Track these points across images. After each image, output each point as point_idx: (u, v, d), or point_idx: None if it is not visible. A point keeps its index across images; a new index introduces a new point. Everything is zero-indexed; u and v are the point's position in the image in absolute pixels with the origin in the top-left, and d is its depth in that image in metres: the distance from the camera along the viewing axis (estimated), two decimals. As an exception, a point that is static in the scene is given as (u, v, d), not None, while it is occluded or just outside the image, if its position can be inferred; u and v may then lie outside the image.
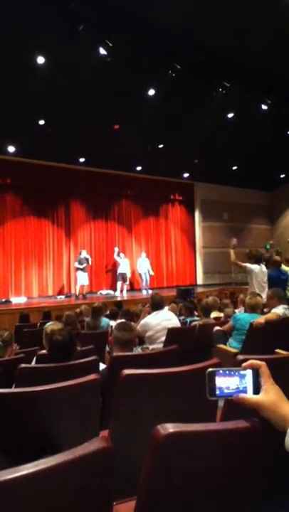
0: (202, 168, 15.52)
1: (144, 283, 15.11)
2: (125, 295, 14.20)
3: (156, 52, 9.07)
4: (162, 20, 8.40)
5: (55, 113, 10.61)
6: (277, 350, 3.57)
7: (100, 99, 10.17)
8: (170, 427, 0.91)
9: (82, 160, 14.20)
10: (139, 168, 15.50)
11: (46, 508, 0.83)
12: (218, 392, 1.03)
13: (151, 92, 10.46)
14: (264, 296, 5.95)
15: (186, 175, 16.83)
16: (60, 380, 1.88)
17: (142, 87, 10.33)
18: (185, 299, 9.32)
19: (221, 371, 1.03)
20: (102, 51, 8.77)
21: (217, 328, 5.31)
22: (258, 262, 6.80)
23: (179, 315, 6.57)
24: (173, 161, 14.47)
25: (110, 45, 8.66)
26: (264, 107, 11.64)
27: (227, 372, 1.04)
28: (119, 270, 14.70)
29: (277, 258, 6.85)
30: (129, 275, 14.93)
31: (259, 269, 6.59)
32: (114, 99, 10.19)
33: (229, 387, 1.03)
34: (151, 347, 4.36)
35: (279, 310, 4.84)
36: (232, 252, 6.93)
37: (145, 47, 8.84)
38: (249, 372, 1.04)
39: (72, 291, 14.14)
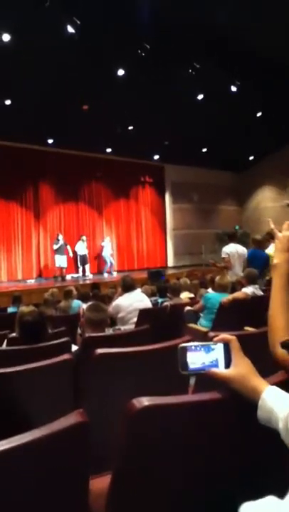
0: (172, 150, 15.47)
1: (107, 266, 15.23)
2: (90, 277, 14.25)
3: (124, 31, 8.89)
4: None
5: (22, 93, 10.32)
6: (246, 328, 3.67)
7: (68, 79, 9.93)
8: (145, 400, 0.92)
9: (50, 141, 13.92)
10: (108, 150, 15.31)
11: (23, 484, 0.83)
12: (190, 366, 1.04)
13: (121, 72, 10.29)
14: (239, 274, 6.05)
15: (156, 157, 16.75)
16: (32, 362, 1.88)
17: (111, 67, 10.14)
18: (156, 281, 9.38)
19: (192, 346, 1.05)
20: (70, 29, 8.54)
21: (188, 308, 5.40)
22: (232, 241, 6.86)
23: (151, 296, 6.61)
24: (143, 143, 14.36)
25: (78, 22, 8.44)
26: (233, 88, 11.66)
27: (199, 347, 1.05)
28: (80, 253, 14.72)
29: (258, 237, 6.87)
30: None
31: (234, 249, 6.65)
32: (83, 79, 9.98)
33: (201, 362, 1.04)
34: (123, 328, 4.39)
35: (248, 289, 4.94)
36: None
37: (113, 25, 8.65)
38: (220, 346, 1.06)
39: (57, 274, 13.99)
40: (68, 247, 13.98)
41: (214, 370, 1.04)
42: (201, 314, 5.13)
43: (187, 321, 5.01)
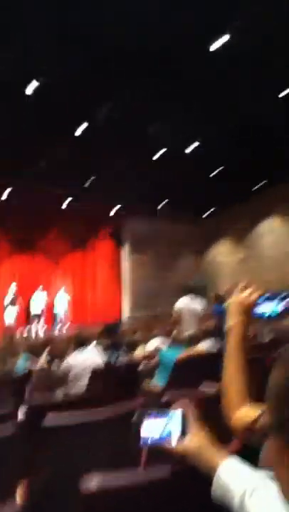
0: (133, 202, 15.72)
1: (58, 320, 14.90)
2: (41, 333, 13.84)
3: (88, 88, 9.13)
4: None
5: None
6: (201, 387, 3.62)
7: (29, 131, 10.06)
8: (96, 480, 0.89)
9: (8, 190, 13.84)
10: (69, 199, 15.33)
11: None
12: (145, 439, 0.99)
13: (84, 124, 10.48)
14: (191, 330, 6.02)
15: (116, 208, 16.90)
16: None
17: (76, 120, 10.35)
18: (111, 335, 9.18)
19: (149, 415, 1.01)
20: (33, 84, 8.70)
21: (144, 363, 5.28)
22: (188, 294, 6.88)
23: (105, 351, 6.44)
24: (104, 194, 14.50)
25: (39, 82, 8.62)
26: (195, 144, 12.18)
27: (155, 415, 1.02)
28: (36, 309, 14.33)
29: (220, 293, 7.01)
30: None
31: (185, 304, 6.66)
32: (44, 127, 10.10)
33: (156, 432, 1.00)
34: (75, 386, 4.22)
35: (205, 344, 4.91)
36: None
37: (79, 83, 8.87)
38: (178, 413, 1.02)
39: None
40: (17, 301, 13.58)
41: (169, 443, 0.99)
42: (157, 371, 5.02)
43: (142, 378, 4.89)
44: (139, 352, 5.97)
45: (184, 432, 1.00)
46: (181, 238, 19.30)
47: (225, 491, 0.90)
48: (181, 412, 1.02)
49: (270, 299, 1.42)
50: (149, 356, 5.55)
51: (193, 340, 5.37)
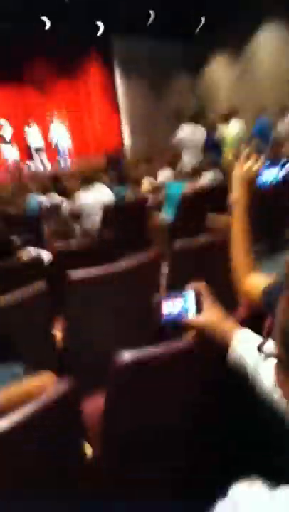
0: (118, 18, 13.92)
1: (62, 152, 14.39)
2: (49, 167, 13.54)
3: None
4: None
5: None
6: (210, 215, 3.80)
7: None
8: (128, 355, 1.01)
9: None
10: (48, 24, 13.46)
11: (25, 455, 0.91)
12: (166, 317, 1.11)
13: None
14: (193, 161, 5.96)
15: (101, 26, 15.02)
16: (5, 282, 1.90)
17: None
18: (115, 167, 9.16)
19: (166, 296, 1.12)
20: None
21: (150, 197, 5.38)
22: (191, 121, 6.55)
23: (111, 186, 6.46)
24: (85, 11, 12.65)
25: None
26: None
27: (173, 296, 1.12)
28: (38, 143, 13.75)
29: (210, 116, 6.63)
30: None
31: (189, 133, 6.39)
32: None
33: (175, 310, 1.10)
34: (89, 222, 4.36)
35: (206, 178, 4.93)
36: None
37: None
38: (191, 294, 1.11)
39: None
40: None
41: (189, 319, 1.10)
42: (164, 204, 5.13)
43: (150, 212, 5.01)
44: (146, 186, 6.01)
45: (198, 310, 1.10)
46: (175, 57, 17.62)
47: (239, 360, 1.02)
48: (194, 292, 1.11)
49: (271, 165, 1.40)
50: (156, 190, 5.61)
51: (196, 172, 5.36)
